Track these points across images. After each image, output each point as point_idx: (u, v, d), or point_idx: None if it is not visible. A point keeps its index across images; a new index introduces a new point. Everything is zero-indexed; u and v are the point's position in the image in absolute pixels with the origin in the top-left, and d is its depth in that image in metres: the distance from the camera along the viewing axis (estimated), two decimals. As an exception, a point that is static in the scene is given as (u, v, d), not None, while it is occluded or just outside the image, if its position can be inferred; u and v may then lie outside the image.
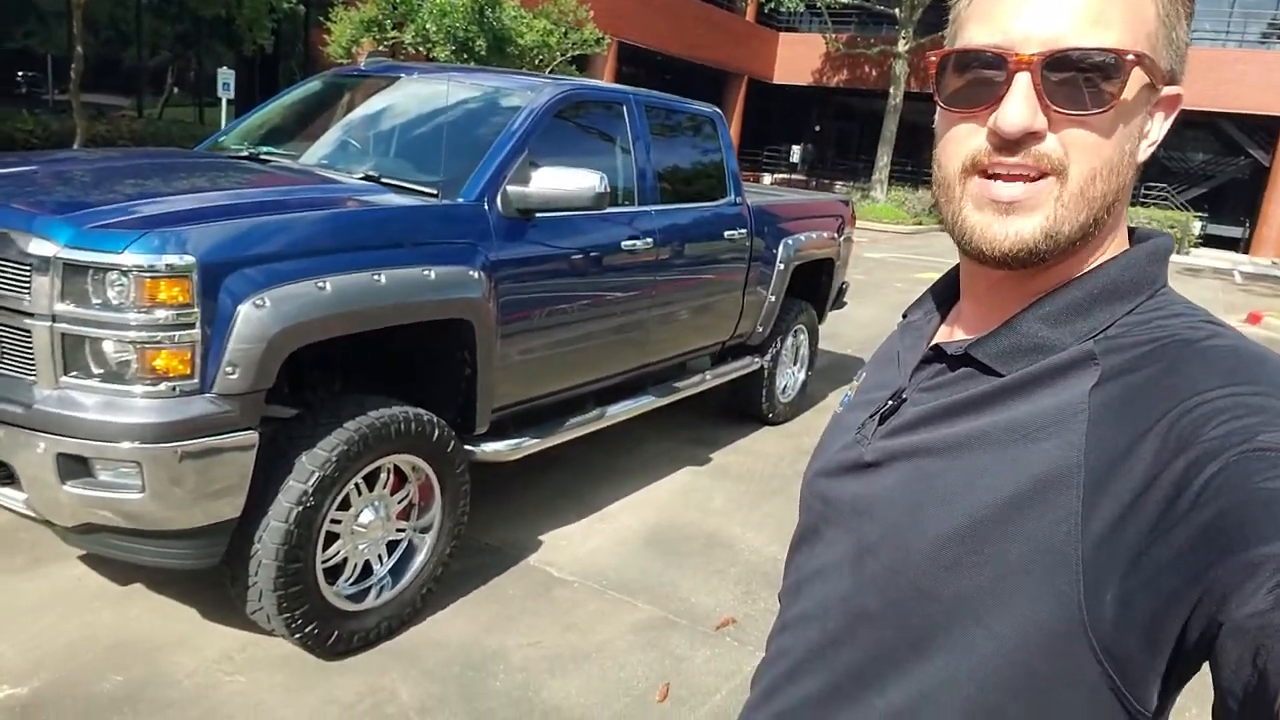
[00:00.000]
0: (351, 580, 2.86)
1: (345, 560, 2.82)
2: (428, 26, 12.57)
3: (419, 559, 3.02)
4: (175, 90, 16.64)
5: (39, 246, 2.22)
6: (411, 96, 3.83)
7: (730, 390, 5.29)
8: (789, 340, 5.48)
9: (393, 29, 13.19)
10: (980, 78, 0.70)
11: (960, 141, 0.72)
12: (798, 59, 27.81)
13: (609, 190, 3.20)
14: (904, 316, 0.92)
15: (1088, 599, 0.62)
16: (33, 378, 2.31)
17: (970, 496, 0.68)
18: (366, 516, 2.83)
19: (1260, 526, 0.54)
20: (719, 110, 4.84)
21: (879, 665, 0.74)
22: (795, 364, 5.72)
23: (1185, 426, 0.60)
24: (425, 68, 4.02)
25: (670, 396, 4.39)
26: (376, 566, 2.94)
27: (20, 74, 14.49)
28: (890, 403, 0.81)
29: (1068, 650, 0.63)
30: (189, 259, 2.26)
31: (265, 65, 16.93)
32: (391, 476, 2.89)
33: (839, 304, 6.28)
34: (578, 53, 15.12)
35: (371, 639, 2.88)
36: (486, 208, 3.10)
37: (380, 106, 3.84)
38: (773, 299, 5.09)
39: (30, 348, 2.28)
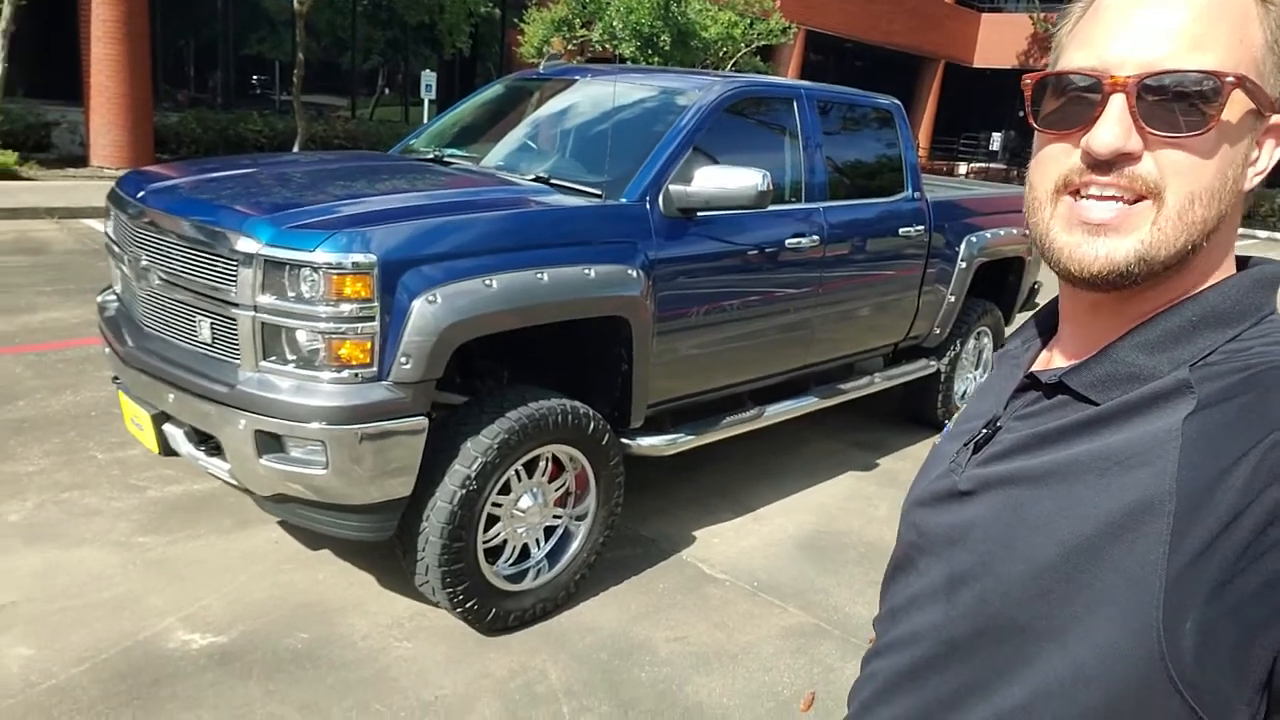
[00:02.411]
0: (510, 561, 3.01)
1: (505, 542, 2.97)
2: (614, 24, 12.87)
3: (574, 545, 3.13)
4: (386, 91, 17.96)
5: (245, 244, 2.48)
6: (585, 98, 3.94)
7: (903, 393, 5.10)
8: (970, 343, 5.21)
9: (581, 27, 13.61)
10: (1076, 100, 0.70)
11: (1053, 160, 0.72)
12: (1001, 41, 26.24)
13: (771, 188, 3.17)
14: (1002, 346, 0.93)
15: (1167, 628, 0.61)
16: (237, 361, 2.58)
17: (1062, 525, 0.68)
18: (525, 502, 2.96)
19: None
20: (897, 102, 4.66)
21: (966, 692, 0.74)
22: (977, 368, 5.44)
23: (1278, 456, 0.60)
24: (600, 69, 4.13)
25: (835, 398, 4.30)
26: (534, 550, 3.08)
27: (254, 78, 16.11)
28: (985, 431, 0.81)
29: (1148, 680, 0.62)
30: (371, 257, 2.44)
31: (465, 66, 17.95)
32: (550, 465, 3.01)
33: (1030, 305, 5.89)
34: (763, 43, 14.99)
35: (527, 619, 3.02)
36: (648, 207, 3.15)
37: (555, 109, 3.99)
38: (952, 299, 4.86)
39: (236, 335, 2.55)
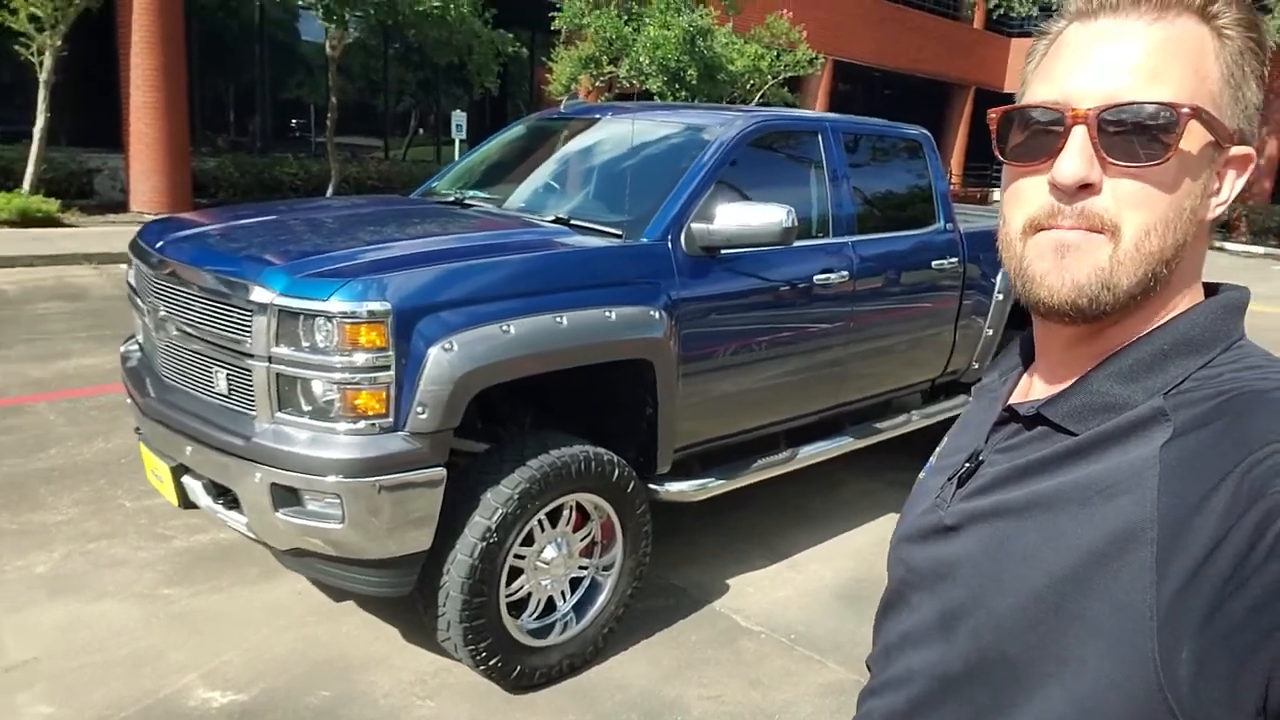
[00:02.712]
0: (535, 615, 2.91)
1: (529, 595, 2.87)
2: (641, 60, 12.94)
3: (601, 597, 3.02)
4: (420, 131, 18.23)
5: (259, 294, 2.44)
6: (607, 137, 3.90)
7: (942, 430, 4.94)
8: (1008, 376, 5.04)
9: (609, 64, 13.70)
10: (1040, 132, 0.72)
11: (1022, 199, 0.74)
12: (1031, 66, 26.00)
13: (797, 224, 3.08)
14: (978, 381, 0.94)
15: (1163, 657, 0.61)
16: (253, 413, 2.53)
17: (1048, 556, 0.69)
18: (549, 553, 2.87)
19: None
20: (926, 132, 4.56)
21: None
22: (1015, 401, 5.26)
23: (1256, 478, 0.60)
24: (621, 107, 4.09)
25: (871, 438, 4.16)
26: (560, 603, 2.97)
27: (292, 122, 16.44)
28: (967, 465, 0.82)
29: (1146, 711, 0.62)
30: (386, 305, 2.39)
31: (495, 105, 18.17)
32: (574, 514, 2.92)
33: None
34: (791, 75, 14.99)
35: (554, 675, 2.91)
36: (670, 246, 3.08)
37: (576, 148, 3.95)
38: (990, 332, 4.71)
39: (252, 386, 2.50)
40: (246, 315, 2.48)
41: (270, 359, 2.44)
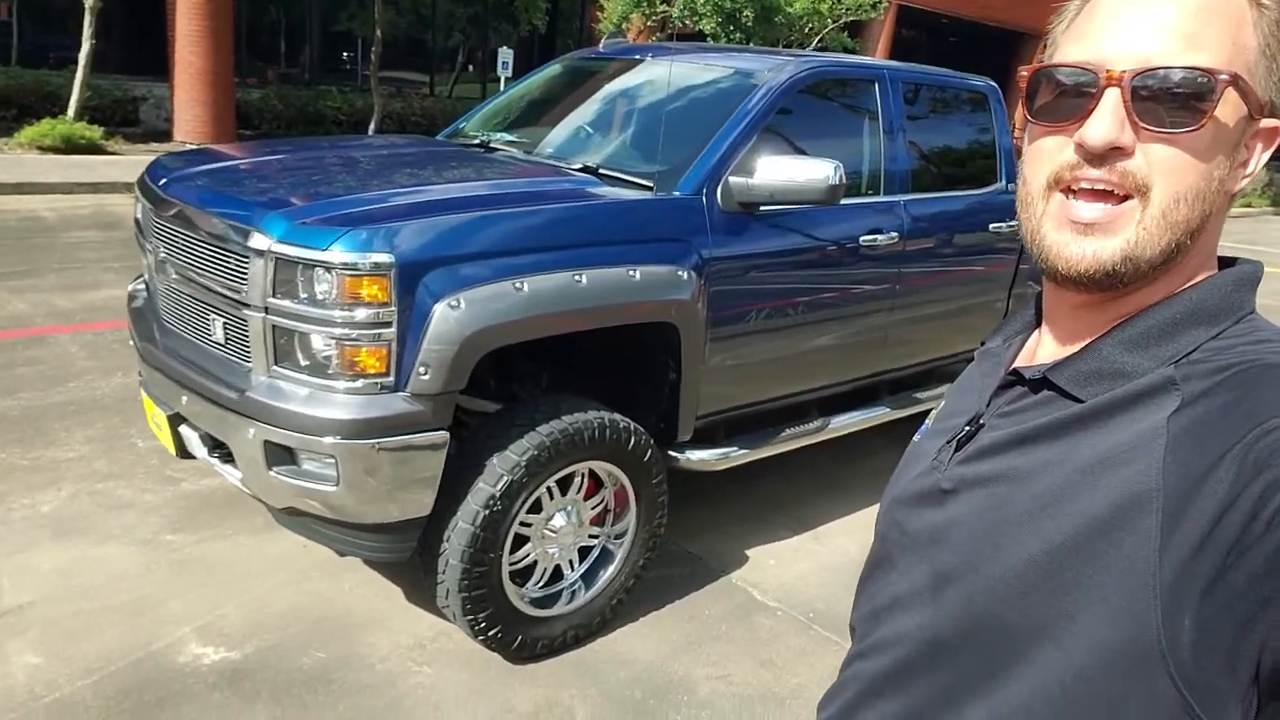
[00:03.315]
0: (541, 584, 2.77)
1: (535, 564, 2.74)
2: (695, -1, 12.46)
3: (611, 567, 2.88)
4: (469, 68, 17.91)
5: (257, 240, 2.28)
6: (646, 80, 3.65)
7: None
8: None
9: (662, 3, 13.23)
10: (1071, 93, 0.70)
11: (1047, 155, 0.72)
12: (1105, 17, 24.75)
13: (844, 181, 2.83)
14: (981, 344, 0.92)
15: (1166, 624, 0.61)
16: (249, 365, 2.39)
17: (1048, 522, 0.68)
18: (558, 521, 2.72)
19: None
20: (994, 84, 4.23)
21: (956, 692, 0.74)
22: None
23: (1262, 450, 0.60)
24: (665, 48, 3.82)
25: (909, 408, 3.94)
26: (568, 571, 2.84)
27: (343, 54, 16.23)
28: (967, 429, 0.81)
29: (1146, 676, 0.63)
30: (389, 257, 2.22)
31: (544, 43, 17.75)
32: (586, 481, 2.76)
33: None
34: (852, 19, 14.36)
35: (557, 647, 2.79)
36: (704, 201, 2.85)
37: (613, 92, 3.70)
38: (1043, 301, 4.42)
39: (248, 337, 2.36)
40: (243, 262, 2.32)
41: (267, 309, 2.29)
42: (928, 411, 3.56)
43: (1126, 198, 0.68)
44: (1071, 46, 0.72)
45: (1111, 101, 0.67)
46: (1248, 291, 0.73)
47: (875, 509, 3.27)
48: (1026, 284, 4.30)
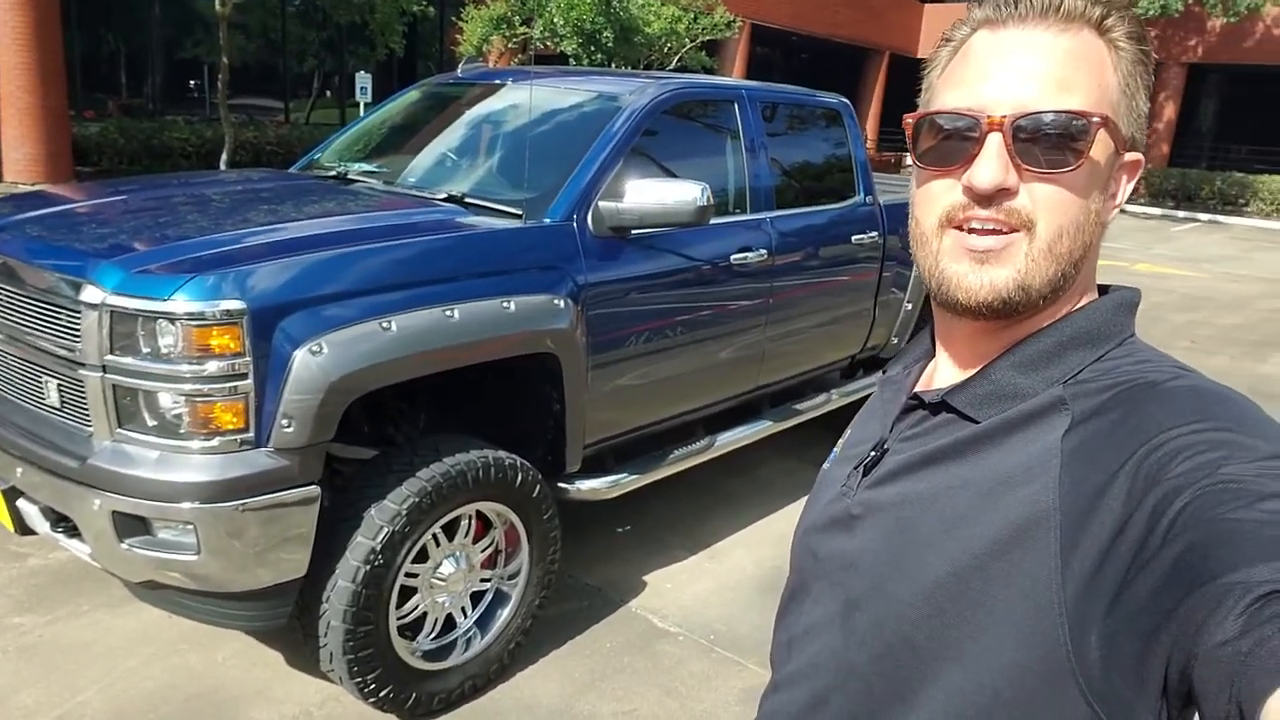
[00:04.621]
0: (433, 636, 2.65)
1: (425, 615, 2.61)
2: (555, 20, 12.47)
3: (506, 610, 2.78)
4: (327, 94, 17.35)
5: (89, 293, 2.09)
6: (509, 105, 3.59)
7: (862, 405, 4.82)
8: (929, 350, 4.95)
9: (521, 25, 13.18)
10: (955, 137, 0.73)
11: (935, 197, 0.75)
12: (943, 31, 26.24)
13: (712, 202, 2.85)
14: (883, 372, 0.95)
15: (1074, 641, 0.62)
16: (89, 429, 2.19)
17: (950, 543, 0.70)
18: (446, 569, 2.61)
19: (1225, 556, 0.55)
20: (846, 101, 4.37)
21: (867, 718, 0.75)
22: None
23: (1152, 465, 0.62)
24: (524, 72, 3.77)
25: (791, 419, 4.00)
26: (460, 619, 2.73)
27: (190, 83, 15.43)
28: (872, 454, 0.82)
29: (1057, 693, 0.63)
30: (240, 303, 2.07)
31: (404, 66, 17.39)
32: (474, 523, 2.66)
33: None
34: (708, 38, 14.68)
35: (454, 700, 2.67)
36: (575, 227, 2.81)
37: (476, 117, 3.62)
38: (909, 306, 4.59)
39: (85, 399, 2.16)
40: (76, 317, 2.13)
41: (105, 368, 2.10)
42: (809, 421, 3.57)
43: (1014, 230, 0.72)
44: (950, 92, 0.75)
45: (995, 146, 0.70)
46: (1126, 315, 0.77)
47: (768, 520, 3.29)
48: (890, 291, 4.45)
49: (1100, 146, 0.71)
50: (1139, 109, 0.74)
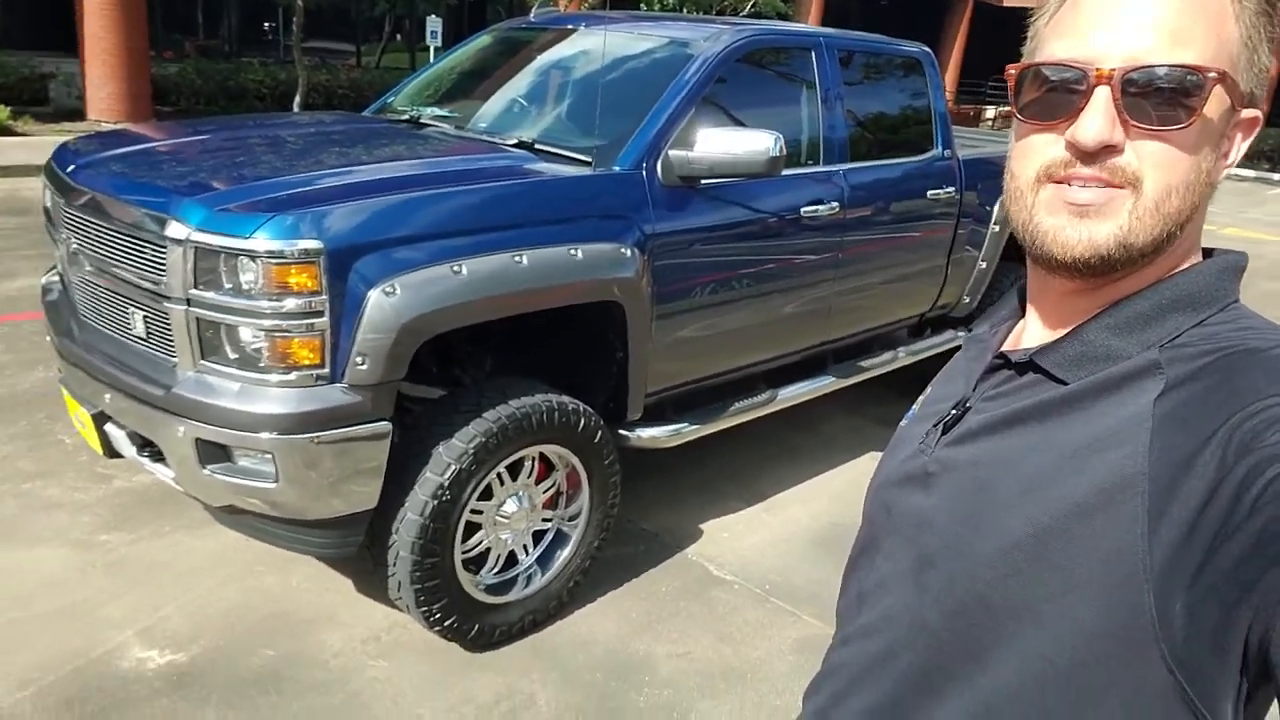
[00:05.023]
0: (495, 571, 2.73)
1: (488, 550, 2.69)
2: (627, -37, 12.25)
3: (566, 550, 2.84)
4: (397, 38, 17.41)
5: (174, 229, 2.16)
6: (580, 50, 3.55)
7: (931, 364, 4.75)
8: (1001, 311, 4.82)
9: (593, -32, 12.99)
10: (1060, 90, 0.70)
11: (1036, 151, 0.72)
12: (1031, -22, 25.06)
13: (784, 153, 2.80)
14: (969, 330, 0.93)
15: (1159, 608, 0.61)
16: (174, 360, 2.28)
17: (1030, 505, 0.69)
18: (510, 507, 2.67)
19: None
20: (928, 50, 4.23)
21: (939, 676, 0.74)
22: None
23: (1246, 432, 0.60)
24: (597, 17, 3.73)
25: (855, 376, 3.96)
26: (522, 556, 2.80)
27: (265, 25, 15.63)
28: (954, 412, 0.81)
29: (1138, 659, 0.63)
30: (318, 243, 2.12)
31: (474, 10, 17.34)
32: (537, 465, 2.71)
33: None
34: (783, -17, 14.29)
35: (515, 633, 2.75)
36: (644, 176, 2.80)
37: (547, 63, 3.60)
38: (984, 265, 4.48)
39: (171, 330, 2.25)
40: (161, 252, 2.20)
41: (189, 302, 2.18)
42: (877, 380, 3.53)
43: (1119, 186, 0.69)
44: (1057, 42, 0.72)
45: (1102, 100, 0.67)
46: (1231, 279, 0.74)
47: (827, 476, 3.27)
48: (964, 249, 4.34)
49: (1215, 103, 0.68)
50: (1261, 64, 0.70)
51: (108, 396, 2.43)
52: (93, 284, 2.54)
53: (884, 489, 0.87)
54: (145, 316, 2.34)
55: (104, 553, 3.04)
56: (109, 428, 2.53)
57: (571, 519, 2.86)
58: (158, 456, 2.42)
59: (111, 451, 2.57)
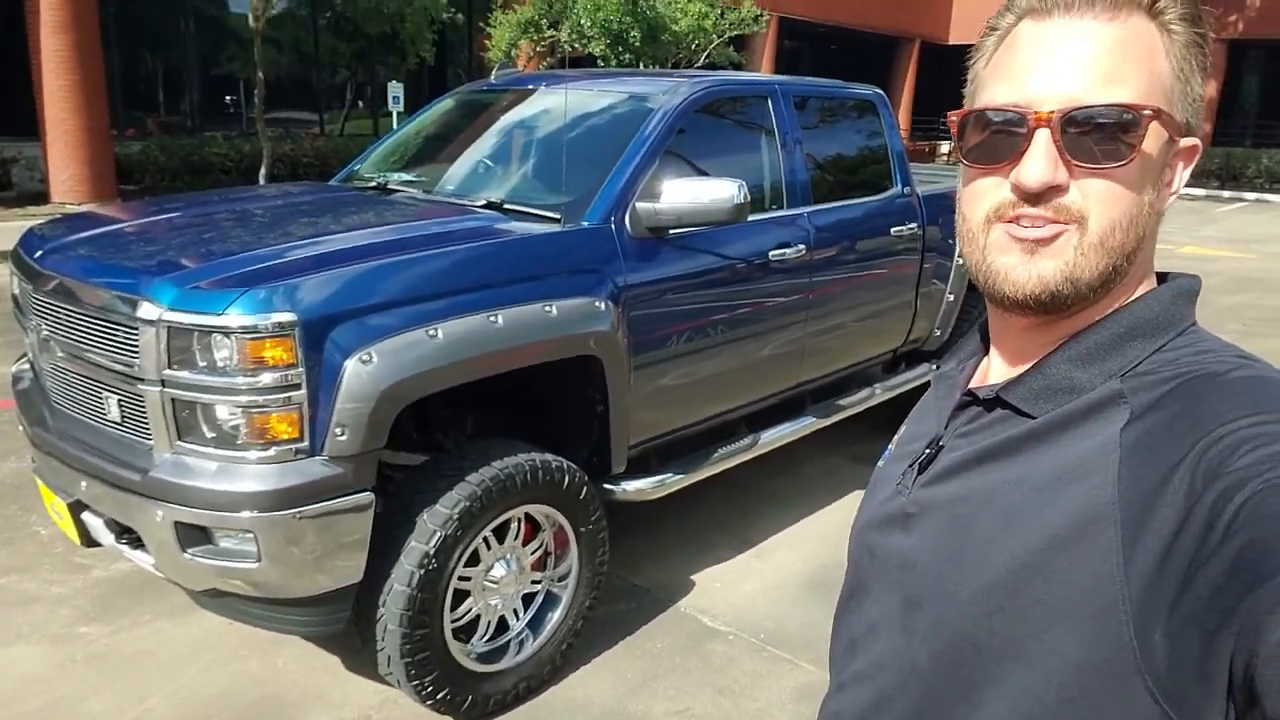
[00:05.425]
0: (486, 638, 2.68)
1: (478, 618, 2.64)
2: (582, 22, 12.51)
3: (557, 611, 2.80)
4: (359, 104, 17.57)
5: (146, 309, 2.15)
6: (542, 110, 3.61)
7: (907, 400, 4.78)
8: (971, 341, 4.88)
9: (549, 28, 13.24)
10: (1001, 134, 0.72)
11: (984, 194, 0.74)
12: (974, 17, 25.86)
13: (749, 199, 2.84)
14: (936, 368, 0.87)
15: (1139, 638, 0.61)
16: (150, 442, 2.25)
17: (1009, 541, 0.69)
18: (498, 571, 2.64)
19: None
20: (880, 91, 4.34)
21: (930, 718, 0.74)
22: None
23: (1213, 458, 0.61)
24: (557, 76, 3.80)
25: (834, 415, 3.98)
26: (513, 621, 2.75)
27: (227, 98, 15.71)
28: (928, 451, 0.82)
29: (1123, 691, 0.63)
30: (290, 315, 2.12)
31: (434, 75, 17.55)
32: (523, 526, 2.68)
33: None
34: (735, 33, 14.63)
35: (509, 701, 2.70)
36: (614, 229, 2.83)
37: (510, 123, 3.65)
38: (951, 297, 4.54)
39: (145, 413, 2.22)
40: (134, 334, 2.18)
41: (164, 382, 2.16)
42: (853, 418, 3.55)
43: (1065, 224, 0.70)
44: (996, 86, 0.73)
45: (1043, 143, 0.69)
46: (1186, 304, 0.75)
47: (813, 519, 3.27)
48: (931, 283, 4.41)
49: (1153, 138, 0.69)
50: (1194, 93, 0.72)
51: (84, 484, 2.39)
52: (64, 370, 2.50)
53: (865, 532, 0.87)
54: (119, 400, 2.31)
55: (84, 645, 2.96)
56: (86, 516, 2.48)
57: (561, 579, 2.83)
58: (136, 543, 2.37)
59: (89, 540, 2.52)
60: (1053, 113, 0.69)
